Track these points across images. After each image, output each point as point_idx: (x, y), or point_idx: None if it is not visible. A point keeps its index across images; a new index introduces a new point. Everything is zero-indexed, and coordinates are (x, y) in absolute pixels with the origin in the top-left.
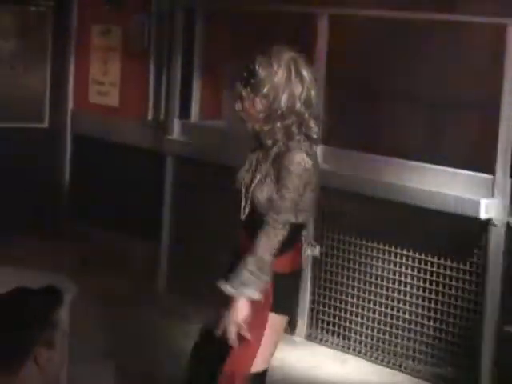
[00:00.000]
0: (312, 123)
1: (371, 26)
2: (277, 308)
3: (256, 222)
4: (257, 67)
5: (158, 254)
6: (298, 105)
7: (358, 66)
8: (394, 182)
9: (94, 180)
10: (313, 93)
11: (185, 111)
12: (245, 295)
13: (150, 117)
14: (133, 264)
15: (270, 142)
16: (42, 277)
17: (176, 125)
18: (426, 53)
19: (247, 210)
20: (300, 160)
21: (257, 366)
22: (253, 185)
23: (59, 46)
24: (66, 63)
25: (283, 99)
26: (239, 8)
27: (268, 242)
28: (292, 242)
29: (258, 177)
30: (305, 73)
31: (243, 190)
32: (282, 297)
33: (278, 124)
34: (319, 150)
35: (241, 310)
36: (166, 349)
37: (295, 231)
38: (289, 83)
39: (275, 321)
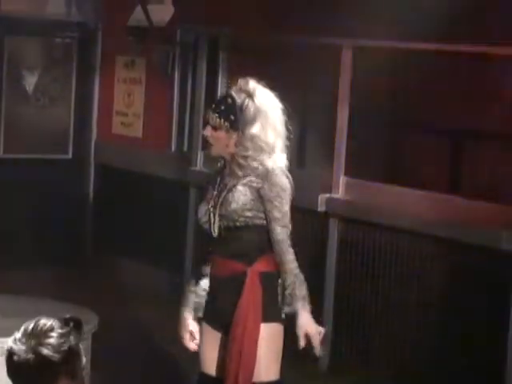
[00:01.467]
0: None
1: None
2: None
3: (233, 237)
4: (238, 103)
5: (181, 283)
6: (279, 140)
7: (382, 98)
8: (417, 212)
9: (118, 210)
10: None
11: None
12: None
13: (173, 148)
14: (157, 294)
15: (240, 173)
16: (64, 309)
17: (200, 156)
18: (451, 84)
19: (217, 231)
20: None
21: (265, 377)
22: (221, 200)
23: (83, 77)
24: (90, 94)
25: (268, 136)
26: (263, 38)
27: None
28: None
29: (226, 190)
30: (278, 103)
31: (210, 220)
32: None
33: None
34: (343, 181)
35: (312, 322)
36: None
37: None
38: (269, 118)
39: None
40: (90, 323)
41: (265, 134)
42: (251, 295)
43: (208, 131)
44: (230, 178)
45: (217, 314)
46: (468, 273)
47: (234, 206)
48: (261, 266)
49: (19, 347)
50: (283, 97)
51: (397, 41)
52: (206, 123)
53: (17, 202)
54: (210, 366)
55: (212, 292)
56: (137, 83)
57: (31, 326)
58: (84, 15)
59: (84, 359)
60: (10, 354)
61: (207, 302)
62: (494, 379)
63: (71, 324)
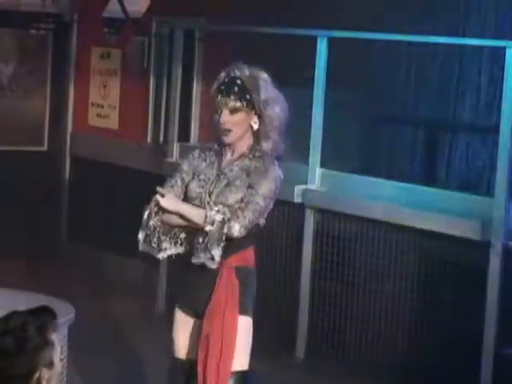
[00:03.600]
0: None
1: (371, 49)
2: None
3: None
4: (249, 83)
5: (156, 275)
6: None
7: (356, 88)
8: (392, 203)
9: (93, 202)
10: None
11: (184, 134)
12: None
13: (149, 139)
14: (131, 286)
15: (247, 153)
16: (39, 300)
17: (175, 148)
18: (426, 75)
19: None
20: (278, 171)
21: (238, 366)
22: (217, 190)
23: (59, 69)
24: (65, 86)
25: (278, 117)
26: (239, 30)
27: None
28: (252, 241)
29: (224, 183)
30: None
31: (203, 201)
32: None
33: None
34: (319, 172)
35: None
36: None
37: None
38: (280, 102)
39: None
40: (66, 315)
41: (279, 114)
42: (228, 288)
43: (226, 117)
44: (231, 166)
45: (190, 302)
46: (442, 263)
47: (230, 201)
48: (236, 260)
49: None
50: None
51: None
52: (217, 110)
53: None
54: (182, 350)
55: (186, 279)
56: (112, 75)
57: (4, 320)
58: (59, 7)
59: (59, 349)
60: None
61: (182, 289)
62: (469, 370)
63: (44, 313)
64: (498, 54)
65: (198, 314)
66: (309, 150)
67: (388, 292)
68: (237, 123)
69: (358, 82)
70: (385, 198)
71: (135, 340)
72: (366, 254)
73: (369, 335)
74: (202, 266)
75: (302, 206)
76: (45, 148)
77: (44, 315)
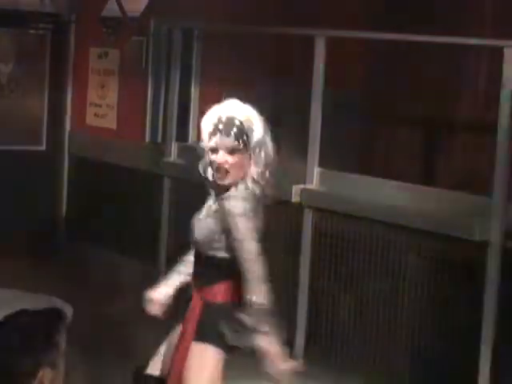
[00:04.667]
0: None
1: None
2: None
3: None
4: (246, 124)
5: (155, 274)
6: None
7: (356, 88)
8: (391, 203)
9: (92, 201)
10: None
11: (182, 134)
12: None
13: (147, 139)
14: (131, 285)
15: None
16: (39, 300)
17: (174, 147)
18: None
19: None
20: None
21: None
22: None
23: (57, 68)
24: (63, 86)
25: (269, 158)
26: (237, 29)
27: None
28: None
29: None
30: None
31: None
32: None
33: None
34: (316, 172)
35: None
36: None
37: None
38: (269, 142)
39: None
40: (65, 314)
41: (271, 153)
42: (192, 321)
43: (223, 157)
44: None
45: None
46: (442, 263)
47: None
48: (207, 294)
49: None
50: (258, 87)
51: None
52: (214, 150)
53: None
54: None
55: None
56: (110, 74)
57: (12, 318)
58: (57, 6)
59: (62, 349)
60: None
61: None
62: (469, 369)
63: (52, 314)
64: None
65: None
66: (307, 149)
67: (387, 291)
68: (235, 164)
69: (357, 82)
70: (383, 198)
71: (135, 340)
72: (365, 254)
73: (368, 334)
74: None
75: (300, 206)
76: (43, 147)
77: (51, 316)
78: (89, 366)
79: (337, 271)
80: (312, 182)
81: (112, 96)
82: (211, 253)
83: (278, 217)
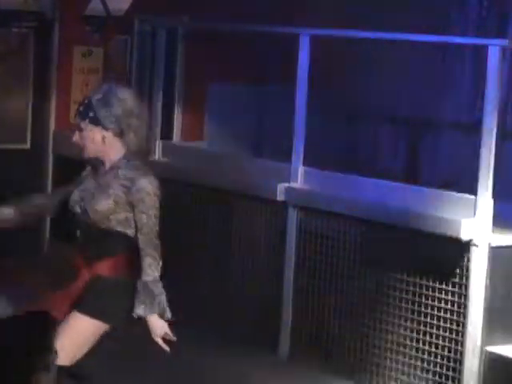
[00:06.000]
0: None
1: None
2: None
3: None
4: (93, 102)
5: None
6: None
7: (339, 86)
8: (376, 202)
9: None
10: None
11: (167, 132)
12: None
13: None
14: None
15: (107, 169)
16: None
17: (158, 146)
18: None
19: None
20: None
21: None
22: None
23: (41, 67)
24: (47, 84)
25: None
26: (221, 28)
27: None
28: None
29: (93, 192)
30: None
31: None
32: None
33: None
34: (301, 170)
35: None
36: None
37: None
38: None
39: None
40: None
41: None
42: (74, 291)
43: (76, 135)
44: (95, 176)
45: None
46: (427, 261)
47: (98, 211)
48: (102, 268)
49: None
50: (242, 85)
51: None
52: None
53: None
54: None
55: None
56: (94, 73)
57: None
58: (41, 5)
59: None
60: None
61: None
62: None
63: (42, 317)
64: (481, 52)
65: None
66: (291, 148)
67: (371, 289)
68: (83, 140)
69: (341, 81)
70: (368, 196)
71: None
72: (349, 252)
73: (352, 333)
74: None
75: (284, 204)
76: (28, 146)
77: (51, 320)
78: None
79: (321, 269)
80: (297, 181)
81: None
82: (105, 226)
83: (262, 215)
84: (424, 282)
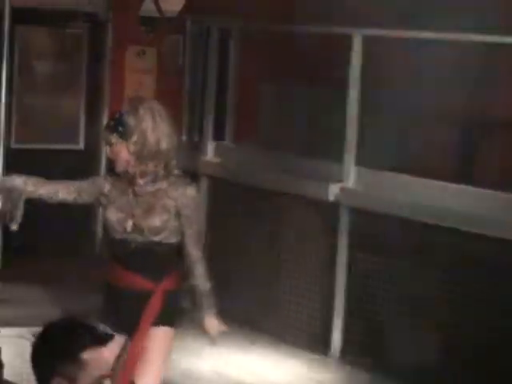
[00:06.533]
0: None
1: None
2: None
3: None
4: (123, 116)
5: None
6: (164, 146)
7: (392, 87)
8: (428, 203)
9: None
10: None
11: (219, 133)
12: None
13: (184, 137)
14: None
15: (142, 181)
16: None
17: (210, 146)
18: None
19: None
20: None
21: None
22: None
23: (95, 67)
24: (101, 84)
25: (152, 142)
26: (274, 28)
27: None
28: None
29: (141, 209)
30: (164, 117)
31: (124, 228)
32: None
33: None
34: (353, 170)
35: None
36: None
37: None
38: (154, 128)
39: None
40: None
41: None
42: (153, 312)
43: (107, 150)
44: (137, 193)
45: (120, 325)
46: (480, 263)
47: (151, 226)
48: (166, 284)
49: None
50: (294, 86)
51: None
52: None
53: None
54: None
55: (112, 301)
56: (147, 73)
57: (60, 319)
58: (95, 5)
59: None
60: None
61: (108, 312)
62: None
63: (98, 333)
64: None
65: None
66: (344, 147)
67: (427, 291)
68: (115, 155)
69: (394, 81)
70: (421, 197)
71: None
72: (402, 253)
73: (406, 333)
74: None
75: (336, 205)
76: (81, 146)
77: (94, 336)
78: None
79: (374, 271)
80: (349, 181)
81: (149, 94)
82: (158, 240)
83: (314, 216)
84: (481, 284)
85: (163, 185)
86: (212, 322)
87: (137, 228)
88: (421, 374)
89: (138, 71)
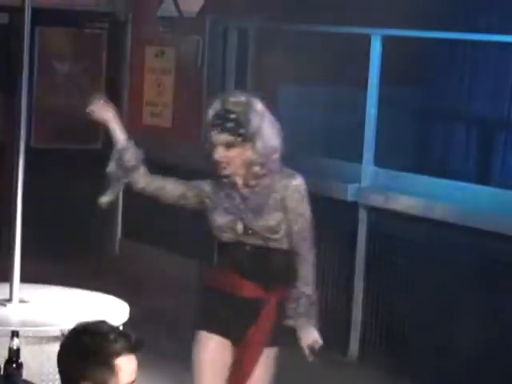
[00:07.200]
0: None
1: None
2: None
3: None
4: (242, 115)
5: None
6: (278, 142)
7: (410, 86)
8: (446, 202)
9: (147, 201)
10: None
11: None
12: None
13: (203, 138)
14: (183, 284)
15: (254, 182)
16: (94, 298)
17: None
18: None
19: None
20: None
21: None
22: (247, 219)
23: (113, 68)
24: (120, 85)
25: (272, 143)
26: (291, 28)
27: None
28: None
29: (251, 210)
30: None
31: (235, 231)
32: None
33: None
34: (372, 170)
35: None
36: None
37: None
38: (269, 127)
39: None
40: (121, 313)
41: (274, 141)
42: (267, 323)
43: (221, 152)
44: (244, 195)
45: (230, 329)
46: (499, 264)
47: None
48: (280, 292)
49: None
50: (312, 87)
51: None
52: (214, 146)
53: (47, 192)
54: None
55: (215, 306)
56: (167, 73)
57: (92, 322)
58: (114, 6)
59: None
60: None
61: (217, 314)
62: None
63: (131, 340)
64: None
65: (234, 339)
66: (362, 147)
67: (444, 292)
68: (233, 157)
69: (412, 80)
70: (439, 197)
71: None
72: (420, 253)
73: (424, 334)
74: (247, 298)
75: (355, 205)
76: (99, 146)
77: (127, 343)
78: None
79: (391, 270)
80: (368, 181)
81: (168, 95)
82: (272, 241)
83: (332, 216)
84: (500, 286)
85: (267, 180)
86: (312, 334)
87: (249, 229)
88: (439, 377)
89: (157, 71)
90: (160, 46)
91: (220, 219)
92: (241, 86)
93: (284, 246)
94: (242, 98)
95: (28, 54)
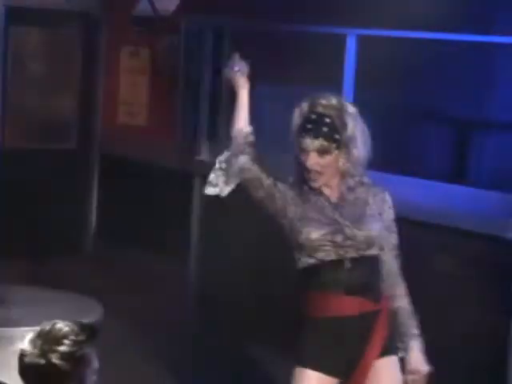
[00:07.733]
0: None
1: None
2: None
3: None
4: (337, 119)
5: (184, 274)
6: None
7: (386, 87)
8: (429, 203)
9: (122, 200)
10: None
11: (214, 132)
12: None
13: (178, 138)
14: (160, 285)
15: (345, 190)
16: (68, 298)
17: (205, 146)
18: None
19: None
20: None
21: None
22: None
23: (88, 67)
24: (94, 85)
25: (365, 151)
26: (267, 27)
27: None
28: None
29: (349, 221)
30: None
31: (335, 245)
32: None
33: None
34: None
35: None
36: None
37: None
38: (362, 133)
39: None
40: (94, 313)
41: (365, 149)
42: (380, 338)
43: (314, 159)
44: (338, 203)
45: (340, 363)
46: (472, 261)
47: (373, 235)
48: (386, 302)
49: (31, 350)
50: (287, 86)
51: (400, 29)
52: (306, 152)
53: (19, 192)
54: None
55: (329, 337)
56: (141, 73)
57: (47, 329)
58: (88, 5)
59: (96, 364)
60: (22, 354)
61: (323, 351)
62: None
63: (86, 331)
64: None
65: (345, 374)
66: None
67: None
68: (327, 165)
69: (386, 81)
70: (413, 196)
71: (163, 339)
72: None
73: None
74: (356, 316)
75: None
76: (74, 146)
77: (85, 332)
78: (118, 363)
79: None
80: None
81: (143, 95)
82: (371, 251)
83: None
84: (470, 283)
85: (359, 192)
86: (418, 357)
87: (349, 241)
88: None
89: (132, 71)
90: (135, 46)
91: (314, 232)
92: (216, 85)
93: (376, 254)
94: (334, 101)
95: (1, 53)
